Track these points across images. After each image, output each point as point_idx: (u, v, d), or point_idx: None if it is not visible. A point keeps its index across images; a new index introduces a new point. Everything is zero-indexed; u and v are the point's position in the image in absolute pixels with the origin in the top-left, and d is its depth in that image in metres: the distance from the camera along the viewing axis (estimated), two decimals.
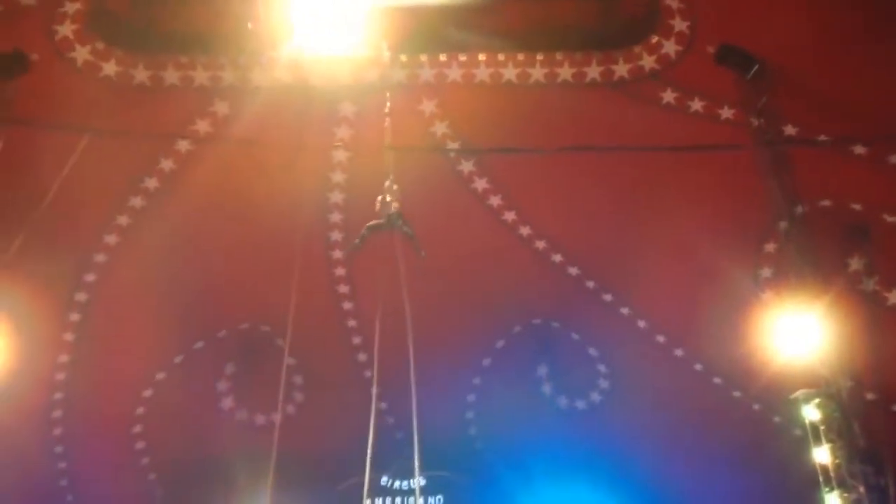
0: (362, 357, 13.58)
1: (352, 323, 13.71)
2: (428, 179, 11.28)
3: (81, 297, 12.70)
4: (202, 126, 11.47)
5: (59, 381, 13.10)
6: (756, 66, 10.23)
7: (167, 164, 11.88)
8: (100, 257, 12.50)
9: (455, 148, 11.82)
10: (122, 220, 12.27)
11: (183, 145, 11.75)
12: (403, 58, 11.00)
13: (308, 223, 11.72)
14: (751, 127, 10.64)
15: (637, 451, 13.09)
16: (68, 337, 12.88)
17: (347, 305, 13.62)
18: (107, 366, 13.22)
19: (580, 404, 14.27)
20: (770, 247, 11.86)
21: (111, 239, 12.40)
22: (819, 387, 10.43)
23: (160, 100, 11.08)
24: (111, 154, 11.25)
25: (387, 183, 9.23)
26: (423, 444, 9.83)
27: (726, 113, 10.91)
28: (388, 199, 8.99)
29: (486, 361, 14.25)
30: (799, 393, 10.77)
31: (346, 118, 11.68)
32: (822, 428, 10.42)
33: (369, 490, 14.16)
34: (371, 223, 9.03)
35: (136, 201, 12.14)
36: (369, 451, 8.45)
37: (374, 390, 9.66)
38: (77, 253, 12.45)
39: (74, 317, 12.80)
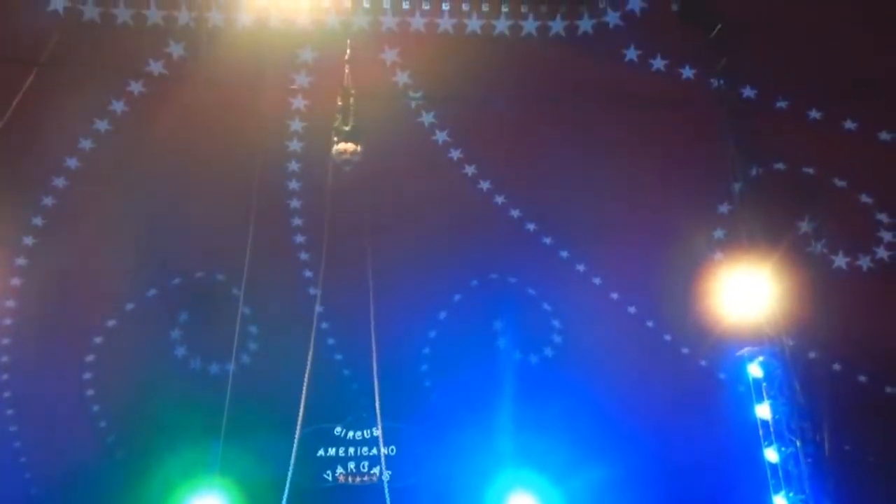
0: (319, 308, 13.51)
1: (308, 273, 13.62)
2: (389, 130, 11.15)
3: (29, 240, 12.39)
4: (156, 68, 11.12)
5: (7, 326, 12.85)
6: (719, 25, 10.26)
7: (118, 106, 11.53)
8: (48, 201, 12.18)
9: (417, 97, 11.69)
10: (72, 163, 11.92)
11: (135, 87, 11.40)
12: (366, 4, 10.75)
13: (265, 171, 11.51)
14: (710, 88, 10.71)
15: (587, 403, 13.37)
16: (16, 282, 12.58)
17: (304, 256, 13.52)
18: (56, 312, 12.99)
19: (533, 358, 14.51)
20: (724, 208, 12.05)
21: (60, 182, 12.06)
22: (763, 345, 10.78)
23: (111, 39, 10.68)
24: (59, 94, 10.89)
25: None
26: (378, 395, 9.96)
27: (687, 73, 10.97)
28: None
29: (443, 315, 14.33)
30: (744, 351, 11.12)
31: (306, 64, 11.42)
32: (764, 385, 10.80)
33: (322, 439, 14.41)
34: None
35: (87, 143, 11.80)
36: (304, 390, 8.89)
37: (316, 322, 9.91)
38: (24, 197, 12.08)
39: (22, 261, 12.50)
